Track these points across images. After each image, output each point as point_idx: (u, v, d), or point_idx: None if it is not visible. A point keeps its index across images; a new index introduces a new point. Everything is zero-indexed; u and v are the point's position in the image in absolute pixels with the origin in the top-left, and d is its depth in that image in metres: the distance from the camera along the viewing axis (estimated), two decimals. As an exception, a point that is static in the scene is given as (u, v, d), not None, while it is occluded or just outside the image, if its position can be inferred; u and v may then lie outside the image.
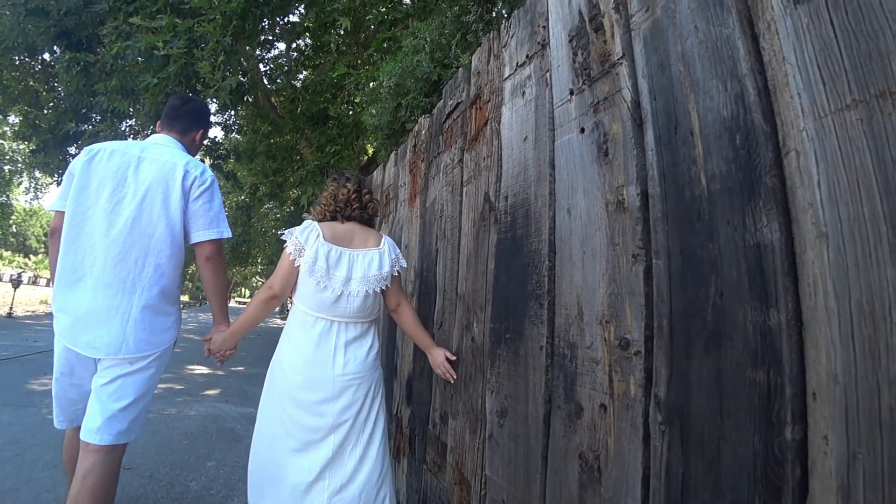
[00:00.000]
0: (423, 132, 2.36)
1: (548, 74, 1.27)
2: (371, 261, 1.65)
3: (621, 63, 1.02)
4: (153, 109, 4.05)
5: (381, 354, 2.75)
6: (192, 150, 1.87)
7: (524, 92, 1.38)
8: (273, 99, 7.77)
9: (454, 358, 1.66)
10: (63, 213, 1.60)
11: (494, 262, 1.41)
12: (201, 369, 6.10)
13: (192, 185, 1.65)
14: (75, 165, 1.62)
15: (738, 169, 0.75)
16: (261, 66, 8.23)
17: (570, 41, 1.19)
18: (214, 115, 11.13)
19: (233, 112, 10.42)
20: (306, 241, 1.60)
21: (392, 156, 2.91)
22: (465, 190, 1.70)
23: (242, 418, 3.84)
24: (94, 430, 1.48)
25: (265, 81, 7.77)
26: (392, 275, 1.68)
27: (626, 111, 0.99)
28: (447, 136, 2.02)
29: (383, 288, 1.67)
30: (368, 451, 1.57)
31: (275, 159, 8.07)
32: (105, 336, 1.51)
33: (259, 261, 21.78)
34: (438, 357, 1.67)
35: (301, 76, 8.23)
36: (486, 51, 1.68)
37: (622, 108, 1.00)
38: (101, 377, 1.54)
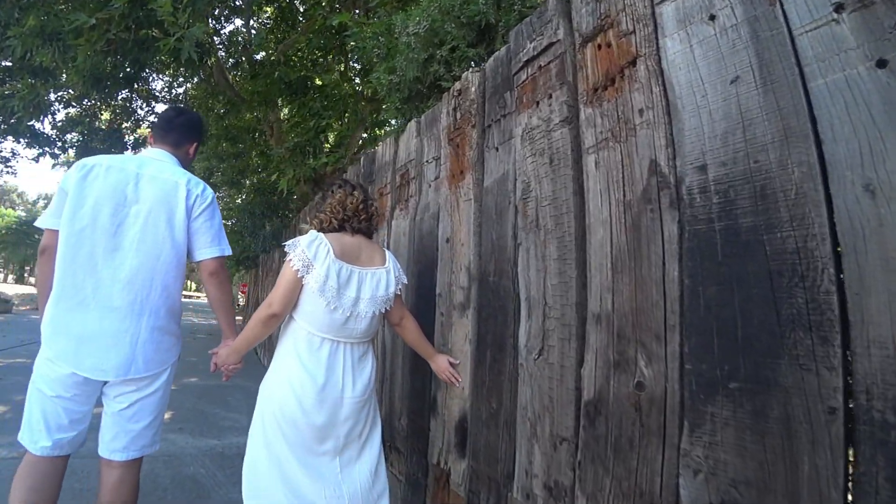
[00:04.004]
0: (473, 89, 1.80)
1: (770, -13, 0.82)
2: (379, 281, 1.60)
3: None
4: (89, 65, 3.14)
5: (406, 382, 2.19)
6: (185, 163, 1.84)
7: (713, 15, 0.93)
8: (230, 76, 6.87)
9: (457, 362, 1.69)
10: (55, 231, 1.55)
11: (684, 268, 0.89)
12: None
13: (194, 203, 1.65)
14: (68, 182, 1.57)
15: None
16: (215, 38, 7.28)
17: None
18: (160, 91, 9.97)
19: (182, 88, 9.33)
20: (315, 256, 1.49)
21: (412, 124, 2.31)
22: (590, 160, 1.16)
23: (206, 458, 2.89)
24: (120, 449, 1.56)
25: (220, 56, 6.85)
26: (395, 293, 1.65)
27: None
28: (525, 91, 1.48)
29: (387, 308, 1.64)
30: (374, 460, 1.58)
31: (235, 142, 7.11)
32: (113, 359, 1.50)
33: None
34: (443, 363, 1.70)
35: (259, 56, 7.33)
36: (617, -38, 1.16)
37: None
38: (116, 402, 1.56)
